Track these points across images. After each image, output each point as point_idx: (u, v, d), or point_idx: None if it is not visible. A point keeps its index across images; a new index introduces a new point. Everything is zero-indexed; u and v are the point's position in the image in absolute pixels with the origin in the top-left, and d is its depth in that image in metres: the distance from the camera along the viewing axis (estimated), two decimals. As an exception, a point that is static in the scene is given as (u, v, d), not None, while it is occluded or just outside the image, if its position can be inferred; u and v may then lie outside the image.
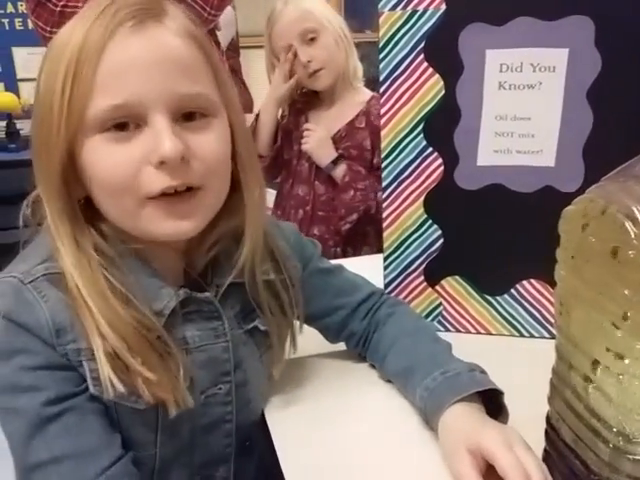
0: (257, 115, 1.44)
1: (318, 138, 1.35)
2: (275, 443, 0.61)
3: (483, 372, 0.61)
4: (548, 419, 0.52)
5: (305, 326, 0.71)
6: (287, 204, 1.44)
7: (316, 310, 0.71)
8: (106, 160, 0.50)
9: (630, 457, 0.43)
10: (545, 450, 0.53)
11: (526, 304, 0.80)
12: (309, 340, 0.73)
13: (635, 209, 0.40)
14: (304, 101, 1.45)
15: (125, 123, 0.50)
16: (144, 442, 0.55)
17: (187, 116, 0.52)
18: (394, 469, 0.57)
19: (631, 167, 0.44)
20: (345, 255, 1.35)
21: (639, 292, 0.40)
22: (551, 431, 0.52)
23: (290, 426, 0.63)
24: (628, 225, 0.40)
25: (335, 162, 1.34)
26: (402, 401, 0.66)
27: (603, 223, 0.42)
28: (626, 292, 0.40)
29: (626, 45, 0.69)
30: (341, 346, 0.76)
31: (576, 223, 0.45)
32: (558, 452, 0.50)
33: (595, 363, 0.44)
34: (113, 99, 0.49)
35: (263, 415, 0.65)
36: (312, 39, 1.33)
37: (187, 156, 0.50)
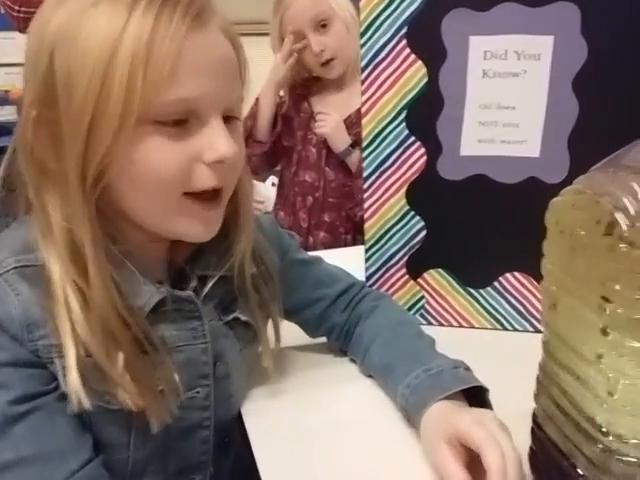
0: (256, 100, 1.41)
1: (335, 122, 1.33)
2: (251, 439, 0.59)
3: (467, 369, 0.59)
4: (534, 417, 0.51)
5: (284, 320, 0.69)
6: (291, 191, 1.42)
7: (295, 302, 0.69)
8: (160, 153, 0.48)
9: (620, 458, 0.42)
10: (531, 449, 0.51)
11: (509, 297, 0.79)
12: (288, 334, 0.71)
13: (627, 201, 0.39)
14: (305, 86, 1.43)
15: (183, 120, 0.49)
16: (116, 445, 0.53)
17: (225, 119, 0.52)
18: (372, 464, 0.55)
19: (620, 157, 0.42)
20: (355, 243, 1.33)
21: (630, 286, 0.38)
22: (537, 429, 0.50)
23: (266, 422, 0.62)
24: (619, 217, 0.38)
25: (350, 147, 1.32)
26: (382, 396, 0.64)
27: (593, 215, 0.40)
28: (617, 287, 0.39)
29: (612, 33, 0.67)
30: (321, 340, 0.74)
31: (564, 215, 0.43)
32: (545, 451, 0.49)
33: (583, 360, 0.43)
34: (184, 93, 0.48)
35: (239, 413, 0.63)
36: (324, 26, 1.31)
37: (235, 159, 0.52)
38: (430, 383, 0.57)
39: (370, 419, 0.62)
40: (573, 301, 0.44)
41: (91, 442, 0.51)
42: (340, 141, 1.33)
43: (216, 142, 0.50)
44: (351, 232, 1.36)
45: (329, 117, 1.34)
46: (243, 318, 0.61)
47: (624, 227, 0.38)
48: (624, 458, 0.41)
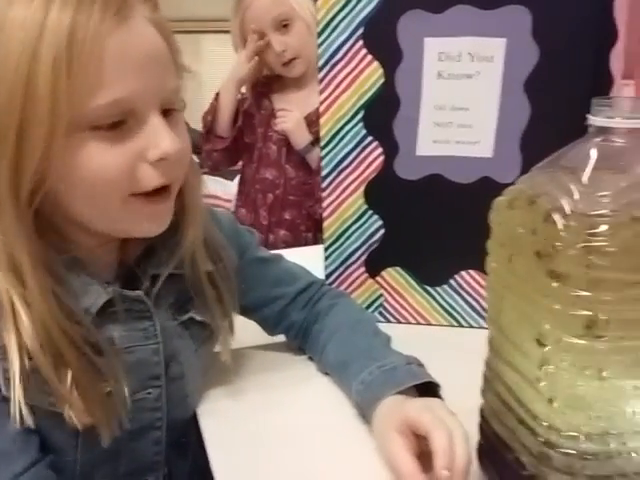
0: (217, 95, 1.41)
1: (296, 119, 1.33)
2: (205, 440, 0.59)
3: (420, 365, 0.60)
4: (482, 412, 0.52)
5: (242, 318, 0.69)
6: (252, 189, 1.42)
7: (253, 300, 0.69)
8: (99, 158, 0.47)
9: (560, 450, 0.43)
10: (479, 444, 0.52)
11: (465, 294, 0.80)
12: (246, 332, 0.71)
13: (563, 200, 0.40)
14: (266, 83, 1.43)
15: (121, 121, 0.48)
16: (63, 447, 0.52)
17: (164, 112, 0.51)
18: (328, 464, 0.55)
19: (560, 157, 0.43)
20: (316, 240, 1.33)
21: (566, 283, 0.39)
22: (484, 424, 0.51)
23: (222, 422, 0.62)
24: (555, 217, 0.39)
25: (311, 145, 1.33)
26: (339, 396, 0.65)
27: (531, 214, 0.41)
28: (555, 285, 0.40)
29: (562, 35, 0.69)
30: (279, 339, 0.74)
31: (505, 214, 0.44)
32: (491, 445, 0.50)
33: (525, 356, 0.44)
34: (115, 94, 0.46)
35: (195, 413, 0.63)
36: (285, 25, 1.31)
37: (180, 154, 0.51)
38: (383, 379, 0.58)
39: (327, 419, 0.62)
40: (515, 298, 0.45)
41: (37, 444, 0.50)
42: (301, 138, 1.33)
43: (157, 139, 0.49)
44: (312, 230, 1.37)
45: (290, 114, 1.34)
46: (198, 318, 0.61)
47: (560, 226, 0.39)
48: (563, 450, 0.43)
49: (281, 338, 0.74)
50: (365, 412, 0.59)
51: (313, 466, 0.55)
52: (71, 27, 0.44)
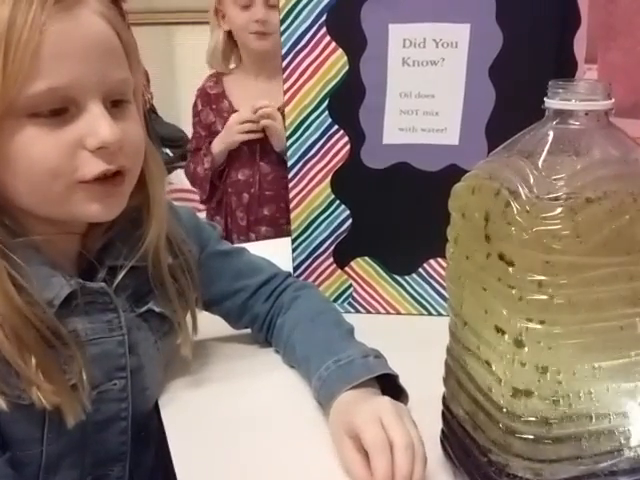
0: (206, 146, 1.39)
1: (281, 119, 1.28)
2: (167, 432, 0.58)
3: (378, 356, 0.60)
4: (444, 400, 0.52)
5: (209, 313, 0.68)
6: (224, 195, 1.40)
7: (216, 294, 0.69)
8: (39, 145, 0.48)
9: (519, 436, 0.43)
10: (442, 431, 0.52)
11: (434, 283, 0.80)
12: (214, 326, 0.70)
13: (519, 185, 0.39)
14: (217, 82, 1.40)
15: (60, 109, 0.48)
16: (28, 440, 0.52)
17: (113, 103, 0.51)
18: (291, 456, 0.55)
19: (517, 142, 0.43)
20: None
21: (522, 268, 0.39)
22: (447, 412, 0.51)
23: (184, 414, 0.61)
24: (511, 201, 0.39)
25: None
26: (303, 387, 0.64)
27: (488, 200, 0.41)
28: (511, 270, 0.39)
29: (526, 20, 0.69)
30: (247, 331, 0.73)
31: (463, 200, 0.44)
32: (453, 433, 0.50)
33: (483, 342, 0.44)
34: (53, 82, 0.46)
35: (157, 405, 0.62)
36: (273, 6, 1.28)
37: (121, 142, 0.50)
38: (338, 374, 0.58)
39: (289, 409, 0.61)
40: (473, 285, 0.44)
41: None
42: (283, 138, 1.29)
43: (96, 128, 0.49)
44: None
45: (275, 111, 1.29)
46: (157, 310, 0.60)
47: (515, 211, 0.39)
48: (523, 436, 0.42)
49: (245, 330, 0.73)
50: (324, 409, 0.59)
51: (274, 455, 0.55)
52: (11, 13, 0.44)
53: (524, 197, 0.39)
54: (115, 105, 0.51)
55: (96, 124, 0.49)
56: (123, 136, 0.50)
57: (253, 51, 1.36)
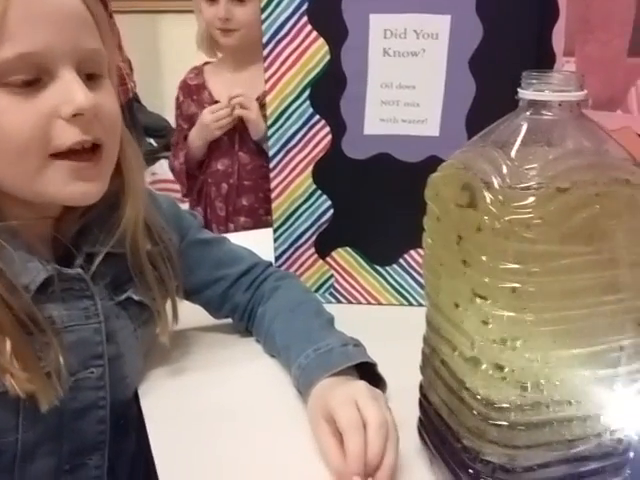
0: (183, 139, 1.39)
1: (257, 108, 1.29)
2: (146, 421, 0.58)
3: (357, 345, 0.60)
4: (421, 388, 0.52)
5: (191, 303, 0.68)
6: (203, 184, 1.40)
7: (195, 283, 0.69)
8: (10, 115, 0.47)
9: (494, 423, 0.43)
10: (419, 419, 0.53)
11: (414, 273, 0.80)
12: (195, 316, 0.70)
13: (491, 175, 0.40)
14: (197, 75, 1.40)
15: (35, 79, 0.47)
16: (3, 428, 0.51)
17: (88, 76, 0.51)
18: (271, 445, 0.55)
19: (491, 132, 0.43)
20: None
21: (496, 258, 0.39)
22: (424, 400, 0.52)
23: (163, 403, 0.61)
24: (484, 190, 0.39)
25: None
26: (283, 376, 0.64)
27: (461, 189, 0.41)
28: (484, 258, 0.40)
29: (506, 12, 0.69)
30: (228, 320, 0.73)
31: (438, 190, 0.44)
32: (430, 420, 0.50)
33: (458, 329, 0.44)
34: (22, 47, 0.46)
35: (137, 394, 0.62)
36: (241, 0, 1.28)
37: (97, 110, 0.50)
38: (318, 362, 0.58)
39: (268, 398, 0.62)
40: (449, 274, 0.45)
41: None
42: (260, 126, 1.29)
43: (71, 94, 0.48)
44: (271, 213, 1.36)
45: (253, 102, 1.29)
46: (136, 298, 0.60)
47: (488, 200, 0.39)
48: (497, 422, 0.43)
49: (226, 319, 0.73)
50: (303, 397, 0.59)
51: (254, 444, 0.55)
52: None
53: (497, 187, 0.39)
54: (90, 78, 0.51)
55: (70, 91, 0.48)
56: (98, 105, 0.49)
57: (221, 46, 1.37)
